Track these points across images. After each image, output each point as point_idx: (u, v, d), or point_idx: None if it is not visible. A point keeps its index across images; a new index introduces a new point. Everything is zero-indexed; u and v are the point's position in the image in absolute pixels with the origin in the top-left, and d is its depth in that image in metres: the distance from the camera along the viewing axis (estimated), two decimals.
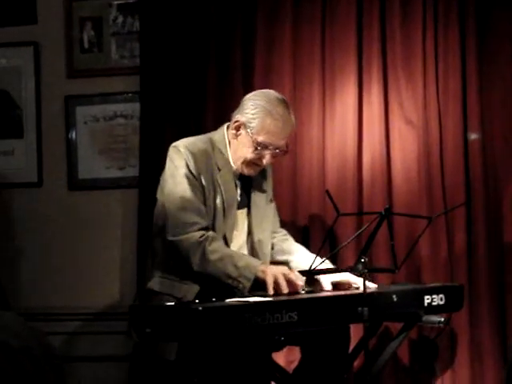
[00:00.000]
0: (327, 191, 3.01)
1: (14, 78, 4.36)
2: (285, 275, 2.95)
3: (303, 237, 3.84)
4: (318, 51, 3.89)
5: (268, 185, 3.32)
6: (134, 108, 4.21)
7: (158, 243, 3.16)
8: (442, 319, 3.09)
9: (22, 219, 4.35)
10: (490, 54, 3.79)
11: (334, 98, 3.89)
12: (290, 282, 2.95)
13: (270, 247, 3.28)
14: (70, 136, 4.32)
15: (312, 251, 3.32)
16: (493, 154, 3.78)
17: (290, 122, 3.14)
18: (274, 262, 3.23)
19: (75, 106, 4.29)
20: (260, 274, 2.95)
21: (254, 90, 3.37)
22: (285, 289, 2.92)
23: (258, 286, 2.97)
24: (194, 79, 4.03)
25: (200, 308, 2.58)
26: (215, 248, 3.00)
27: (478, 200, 3.74)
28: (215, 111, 3.93)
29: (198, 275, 3.02)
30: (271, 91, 3.21)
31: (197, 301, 2.76)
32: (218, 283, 2.98)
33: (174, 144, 3.16)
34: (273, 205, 3.35)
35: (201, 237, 3.01)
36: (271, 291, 2.91)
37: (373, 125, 3.84)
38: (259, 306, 2.69)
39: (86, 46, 4.29)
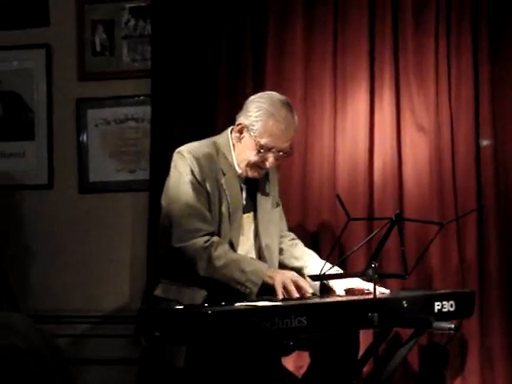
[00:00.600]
0: (338, 196, 3.00)
1: (26, 80, 4.37)
2: (293, 280, 2.94)
3: (313, 241, 3.83)
4: (330, 56, 3.88)
5: (274, 188, 3.30)
6: (145, 111, 4.21)
7: (164, 250, 3.15)
8: (453, 326, 3.07)
9: (32, 221, 4.36)
10: (503, 62, 3.78)
11: (346, 103, 3.88)
12: (298, 288, 2.94)
13: (277, 252, 3.26)
14: (81, 139, 4.32)
15: (322, 256, 3.30)
16: (504, 160, 3.77)
17: (293, 125, 3.12)
18: (285, 267, 3.22)
19: (86, 108, 4.30)
20: (267, 279, 2.94)
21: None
22: (294, 294, 2.91)
23: (266, 290, 2.96)
24: (205, 82, 4.03)
25: (209, 312, 2.57)
26: (221, 253, 2.98)
27: (490, 206, 3.72)
28: (226, 114, 3.92)
29: (204, 280, 3.00)
30: (275, 93, 3.20)
31: (206, 305, 2.75)
32: (224, 288, 2.97)
33: (177, 150, 3.14)
34: (279, 208, 3.33)
35: (206, 242, 2.99)
36: (280, 296, 2.90)
37: (384, 131, 3.83)
38: (268, 310, 2.68)
39: (98, 48, 4.30)
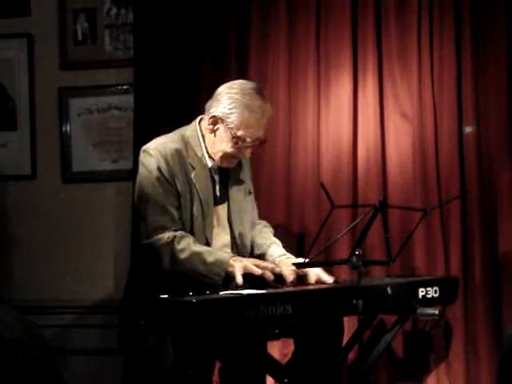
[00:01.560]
0: (322, 184, 3.00)
1: (8, 69, 4.35)
2: (254, 263, 2.95)
3: (297, 229, 3.83)
4: (313, 42, 3.88)
5: (246, 175, 3.28)
6: (128, 100, 4.20)
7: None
8: (437, 311, 3.08)
9: (15, 212, 4.34)
10: (486, 47, 3.78)
11: (329, 90, 3.88)
12: (261, 267, 2.94)
13: (249, 239, 3.26)
14: (63, 128, 4.31)
15: (306, 244, 3.30)
16: (487, 146, 3.78)
17: (267, 112, 3.10)
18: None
19: (69, 98, 4.28)
20: (229, 269, 2.95)
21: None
22: (256, 271, 2.91)
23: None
24: (188, 71, 4.02)
25: (194, 300, 2.57)
26: (184, 246, 2.99)
27: (473, 192, 3.73)
28: None
29: (173, 276, 3.01)
30: (245, 81, 3.17)
31: (191, 293, 2.75)
32: (192, 281, 2.97)
33: (144, 148, 3.13)
34: (251, 196, 3.31)
35: (169, 237, 3.00)
36: (240, 281, 2.90)
37: (368, 117, 3.83)
38: (253, 298, 2.69)
39: (80, 37, 4.28)
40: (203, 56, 4.01)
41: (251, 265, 2.95)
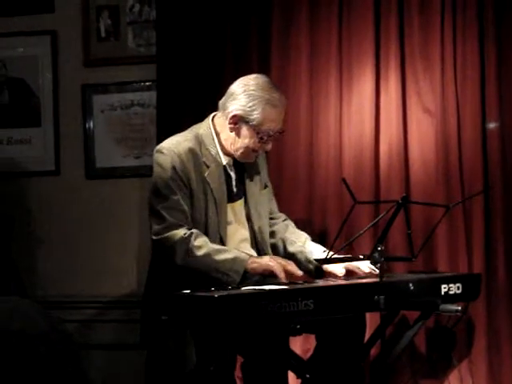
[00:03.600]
0: (344, 179, 3.00)
1: (32, 66, 4.38)
2: (282, 265, 2.97)
3: (320, 225, 3.84)
4: (335, 38, 3.87)
5: (261, 168, 3.29)
6: (151, 97, 4.21)
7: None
8: (459, 308, 3.08)
9: (39, 208, 4.37)
10: (509, 43, 3.75)
11: (352, 87, 3.87)
12: (288, 273, 2.96)
13: (268, 234, 3.27)
14: (87, 125, 4.33)
15: (328, 239, 3.30)
16: (511, 142, 3.76)
17: (284, 103, 3.14)
18: (277, 250, 3.25)
19: (92, 94, 4.31)
20: (251, 266, 2.96)
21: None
22: (298, 273, 2.94)
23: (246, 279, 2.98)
24: (211, 67, 4.03)
25: (216, 296, 2.58)
26: (201, 243, 3.00)
27: (496, 189, 3.71)
28: None
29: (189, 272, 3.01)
30: (257, 76, 3.17)
31: (212, 288, 2.76)
32: (203, 278, 2.97)
33: (157, 147, 3.15)
34: (267, 190, 3.32)
35: (186, 233, 3.01)
36: (282, 275, 2.92)
37: (390, 113, 3.82)
38: (275, 293, 2.70)
39: (103, 34, 4.30)
40: (226, 53, 4.01)
41: (292, 266, 2.97)
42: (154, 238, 3.06)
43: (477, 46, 3.74)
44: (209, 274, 2.98)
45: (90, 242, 4.30)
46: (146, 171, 4.19)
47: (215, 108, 3.96)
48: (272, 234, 3.31)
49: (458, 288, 3.13)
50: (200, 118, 3.87)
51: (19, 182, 4.39)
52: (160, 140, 4.08)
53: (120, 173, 4.29)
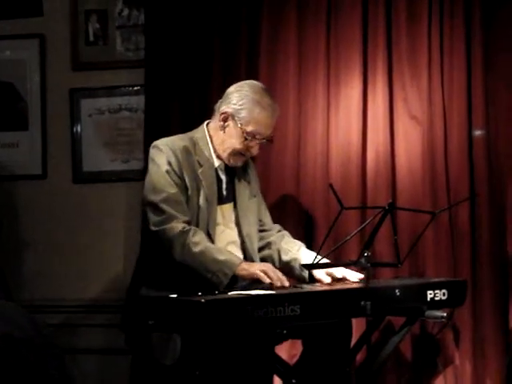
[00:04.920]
0: (331, 185, 3.01)
1: (19, 70, 4.37)
2: (272, 270, 2.97)
3: (306, 231, 3.84)
4: (323, 44, 3.88)
5: (252, 180, 3.33)
6: (139, 101, 4.21)
7: (148, 253, 3.18)
8: (445, 314, 3.09)
9: (26, 211, 4.36)
10: (496, 50, 3.77)
11: (339, 91, 3.89)
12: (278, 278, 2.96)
13: (256, 241, 3.28)
14: (74, 129, 4.32)
15: (315, 245, 3.31)
16: (497, 149, 3.77)
17: (276, 112, 3.18)
18: (270, 261, 3.25)
19: (80, 98, 4.30)
20: (241, 271, 2.96)
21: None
22: (276, 282, 2.93)
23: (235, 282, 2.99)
24: (199, 72, 4.03)
25: (202, 300, 2.58)
26: (198, 240, 3.01)
27: (482, 195, 3.73)
28: None
29: (177, 275, 3.01)
30: (254, 81, 3.27)
31: (199, 293, 2.76)
32: (195, 279, 2.98)
33: (153, 144, 3.19)
34: (257, 199, 3.34)
35: (184, 227, 3.02)
36: (267, 280, 2.92)
37: (377, 120, 3.83)
38: (261, 298, 2.70)
39: (92, 38, 4.30)
40: (214, 58, 4.02)
41: (273, 272, 2.96)
42: (153, 228, 3.06)
43: (464, 54, 3.76)
44: (199, 271, 2.98)
45: (76, 246, 4.29)
46: (133, 175, 4.20)
47: (203, 113, 3.99)
48: (268, 245, 3.33)
49: (444, 294, 3.14)
50: (188, 123, 3.89)
51: (6, 186, 4.37)
52: (148, 144, 4.07)
53: (107, 177, 4.29)
